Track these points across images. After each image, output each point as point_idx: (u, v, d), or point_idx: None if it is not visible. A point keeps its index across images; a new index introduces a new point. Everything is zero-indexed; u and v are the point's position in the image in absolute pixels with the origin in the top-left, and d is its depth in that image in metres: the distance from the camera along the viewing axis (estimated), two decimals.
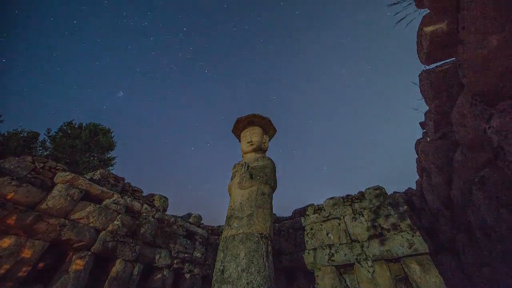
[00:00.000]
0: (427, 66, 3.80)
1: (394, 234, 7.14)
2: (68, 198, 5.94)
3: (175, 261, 8.09)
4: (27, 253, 4.94)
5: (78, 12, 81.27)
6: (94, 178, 7.19)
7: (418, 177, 6.93)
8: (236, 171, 7.03)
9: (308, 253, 8.49)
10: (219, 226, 11.38)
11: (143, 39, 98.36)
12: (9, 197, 5.02)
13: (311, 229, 9.00)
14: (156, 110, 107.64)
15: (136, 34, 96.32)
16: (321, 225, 8.84)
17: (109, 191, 7.00)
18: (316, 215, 9.25)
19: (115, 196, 7.09)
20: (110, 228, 6.57)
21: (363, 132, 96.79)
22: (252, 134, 7.82)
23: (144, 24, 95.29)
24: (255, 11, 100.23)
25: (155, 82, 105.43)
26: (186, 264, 8.52)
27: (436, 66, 3.74)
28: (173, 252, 8.17)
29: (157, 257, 7.57)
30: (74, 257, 5.74)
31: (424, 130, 5.67)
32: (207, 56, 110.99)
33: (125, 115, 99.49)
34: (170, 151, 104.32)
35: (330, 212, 8.85)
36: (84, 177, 6.71)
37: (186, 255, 8.59)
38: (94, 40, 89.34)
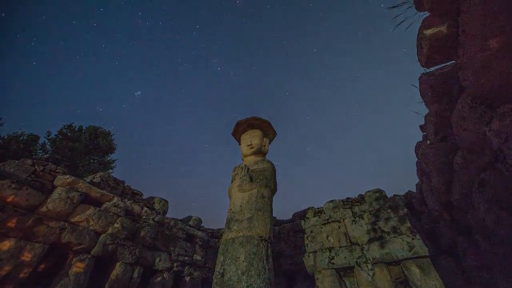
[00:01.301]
0: (427, 69, 3.81)
1: (394, 237, 7.14)
2: (68, 201, 5.94)
3: (175, 264, 8.08)
4: (27, 256, 4.94)
5: (97, 14, 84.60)
6: (94, 181, 7.18)
7: (418, 180, 6.93)
8: (236, 174, 7.01)
9: (308, 256, 8.47)
10: (219, 229, 11.37)
11: (158, 38, 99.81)
12: (9, 200, 5.02)
13: (311, 232, 8.99)
14: (171, 109, 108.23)
15: (151, 33, 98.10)
16: (321, 228, 8.83)
17: (109, 194, 7.00)
18: (316, 218, 9.24)
19: (115, 199, 7.10)
20: (110, 231, 6.56)
21: (362, 136, 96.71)
22: (252, 137, 7.82)
23: (159, 23, 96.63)
24: (268, 5, 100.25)
25: (170, 80, 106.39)
26: (186, 267, 8.51)
27: (436, 69, 3.75)
28: (173, 255, 8.16)
29: (157, 260, 7.56)
30: (74, 260, 5.73)
31: (424, 133, 5.67)
32: (220, 53, 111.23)
33: (143, 114, 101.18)
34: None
35: (330, 215, 8.84)
36: (84, 180, 6.71)
37: (186, 258, 8.58)
38: (113, 40, 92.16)
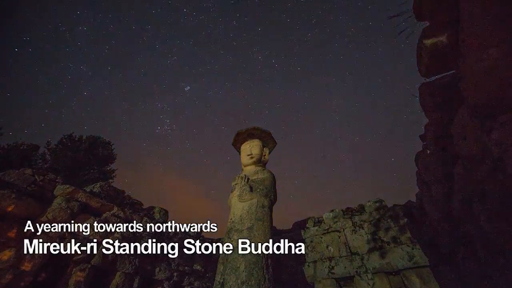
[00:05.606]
0: (427, 79, 3.86)
1: (394, 246, 7.12)
2: (68, 211, 5.95)
3: (175, 274, 8.04)
4: (27, 266, 4.93)
5: (149, 17, 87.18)
6: (94, 190, 7.20)
7: (418, 189, 6.94)
8: (236, 184, 6.99)
9: (308, 265, 8.44)
10: (219, 239, 11.33)
11: (201, 33, 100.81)
12: (9, 209, 5.03)
13: (311, 241, 8.96)
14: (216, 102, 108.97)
15: (194, 29, 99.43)
16: (321, 237, 8.80)
17: (108, 203, 7.01)
18: (316, 227, 9.21)
19: (115, 208, 7.10)
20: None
21: (362, 142, 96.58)
22: (252, 147, 7.81)
23: (201, 17, 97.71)
24: None
25: (213, 74, 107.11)
26: (186, 277, 8.46)
27: (436, 79, 3.80)
28: (173, 264, 8.12)
29: (156, 270, 7.52)
30: (74, 269, 5.72)
31: (424, 143, 5.70)
32: (260, 42, 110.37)
33: (193, 107, 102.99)
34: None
35: (330, 225, 8.82)
36: (84, 190, 6.73)
37: (186, 267, 8.53)
38: (164, 39, 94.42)
